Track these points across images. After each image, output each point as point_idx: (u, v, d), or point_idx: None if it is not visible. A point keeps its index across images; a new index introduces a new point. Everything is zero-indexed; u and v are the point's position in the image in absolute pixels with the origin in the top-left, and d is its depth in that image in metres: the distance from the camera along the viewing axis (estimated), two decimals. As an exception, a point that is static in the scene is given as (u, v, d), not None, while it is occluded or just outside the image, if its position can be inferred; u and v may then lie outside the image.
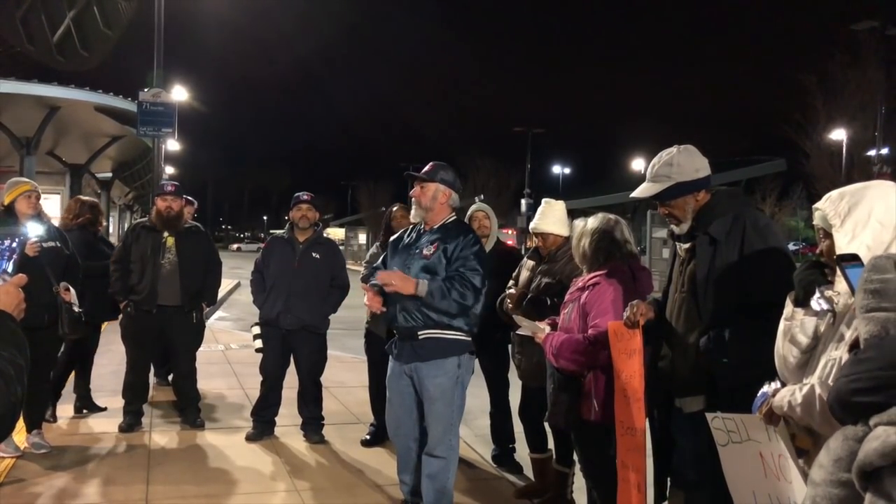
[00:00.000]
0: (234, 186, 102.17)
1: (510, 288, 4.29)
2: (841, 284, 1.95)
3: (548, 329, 3.37)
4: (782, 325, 2.11)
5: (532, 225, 4.23)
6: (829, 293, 1.97)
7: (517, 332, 3.52)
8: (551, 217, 4.15)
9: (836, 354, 1.89)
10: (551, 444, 4.24)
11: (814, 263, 2.13)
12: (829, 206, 2.04)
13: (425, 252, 3.58)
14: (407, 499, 3.89)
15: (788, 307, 2.10)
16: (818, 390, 1.87)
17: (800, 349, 2.05)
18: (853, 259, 1.77)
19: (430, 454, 3.62)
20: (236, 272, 21.37)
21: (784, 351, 2.09)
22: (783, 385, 2.08)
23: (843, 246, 1.95)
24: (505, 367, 4.75)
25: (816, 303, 1.99)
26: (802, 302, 2.07)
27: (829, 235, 2.03)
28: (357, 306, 5.28)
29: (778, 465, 2.12)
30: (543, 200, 4.29)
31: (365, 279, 3.87)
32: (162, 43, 11.76)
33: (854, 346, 1.55)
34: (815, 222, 2.09)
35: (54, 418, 5.42)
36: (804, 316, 2.04)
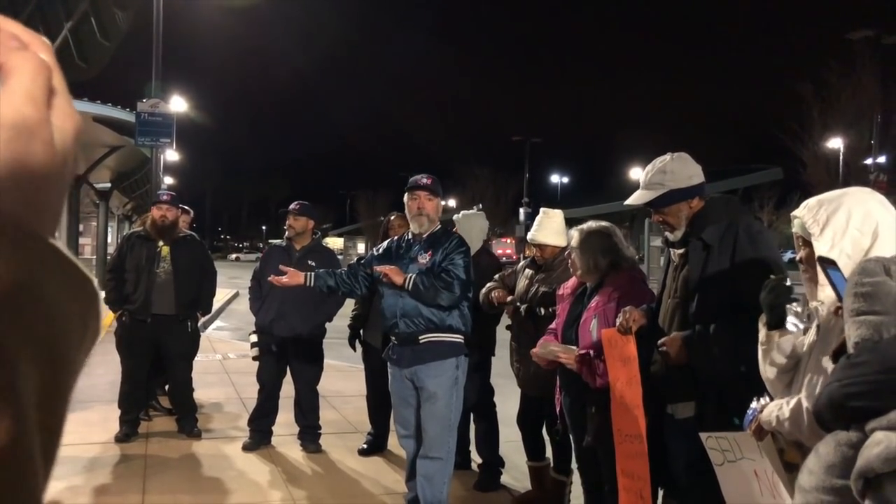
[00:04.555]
0: (233, 196, 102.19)
1: (496, 289, 4.30)
2: (823, 293, 1.95)
3: (575, 349, 3.22)
4: (759, 348, 2.12)
5: (530, 236, 4.23)
6: (799, 308, 1.97)
7: (534, 354, 3.46)
8: (549, 228, 4.15)
9: (822, 365, 1.88)
10: (549, 453, 4.23)
11: (774, 286, 2.12)
12: (807, 214, 2.03)
13: (421, 260, 3.72)
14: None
15: (762, 332, 2.10)
16: (805, 403, 1.86)
17: (780, 369, 2.05)
18: (833, 263, 1.78)
19: (426, 456, 3.69)
20: (235, 282, 21.33)
21: (767, 373, 2.11)
22: (772, 400, 2.08)
23: (822, 255, 1.95)
24: (486, 373, 4.70)
25: (792, 325, 1.99)
26: (772, 325, 2.08)
27: (808, 243, 2.03)
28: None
29: (772, 482, 2.11)
30: (541, 210, 4.28)
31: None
32: (160, 54, 11.78)
33: (839, 351, 1.54)
34: (793, 230, 2.09)
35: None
36: (779, 338, 2.04)
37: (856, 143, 22.16)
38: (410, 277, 3.62)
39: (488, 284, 4.38)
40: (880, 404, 1.28)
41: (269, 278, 3.92)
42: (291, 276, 3.80)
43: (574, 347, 3.27)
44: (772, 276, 2.16)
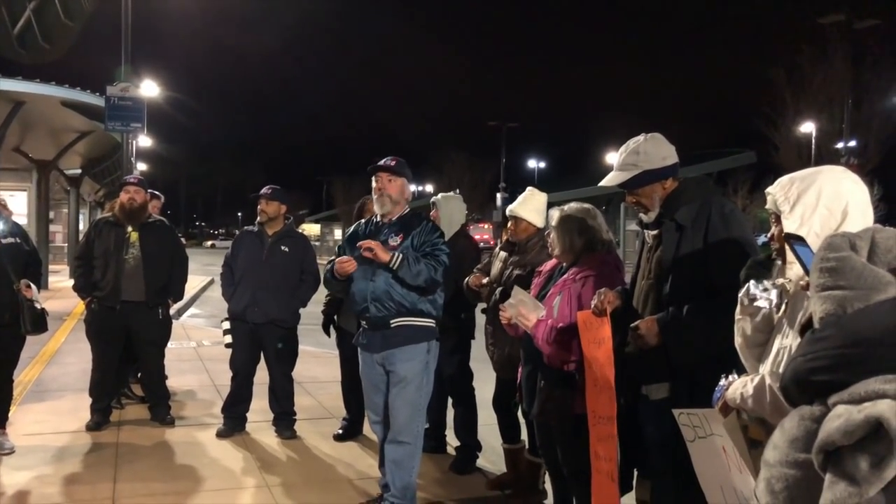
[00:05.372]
0: (208, 183, 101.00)
1: (475, 274, 4.30)
2: (792, 271, 1.96)
3: (542, 312, 3.23)
4: (735, 321, 2.13)
5: (509, 208, 4.22)
6: (770, 283, 1.98)
7: (502, 309, 3.43)
8: (531, 204, 4.15)
9: (787, 342, 1.89)
10: (524, 435, 4.24)
11: (754, 262, 2.13)
12: (779, 191, 2.03)
13: (391, 243, 3.66)
14: (382, 493, 3.90)
15: (740, 304, 2.11)
16: (768, 380, 1.88)
17: (750, 342, 2.07)
18: (800, 239, 1.79)
19: (395, 440, 3.66)
20: (210, 269, 21.14)
21: (738, 345, 2.12)
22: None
23: (790, 233, 1.96)
24: (465, 356, 4.70)
25: (745, 295, 2.00)
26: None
27: (780, 220, 2.04)
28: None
29: (738, 459, 2.13)
30: (528, 188, 4.30)
31: (330, 272, 3.84)
32: (129, 37, 11.57)
33: (806, 327, 1.54)
34: (767, 206, 2.09)
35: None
36: (749, 312, 2.05)
37: (827, 126, 22.48)
38: (398, 256, 3.55)
39: (471, 276, 4.33)
40: (843, 378, 1.28)
41: (360, 243, 3.61)
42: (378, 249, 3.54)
43: (542, 309, 3.24)
44: (760, 255, 2.17)
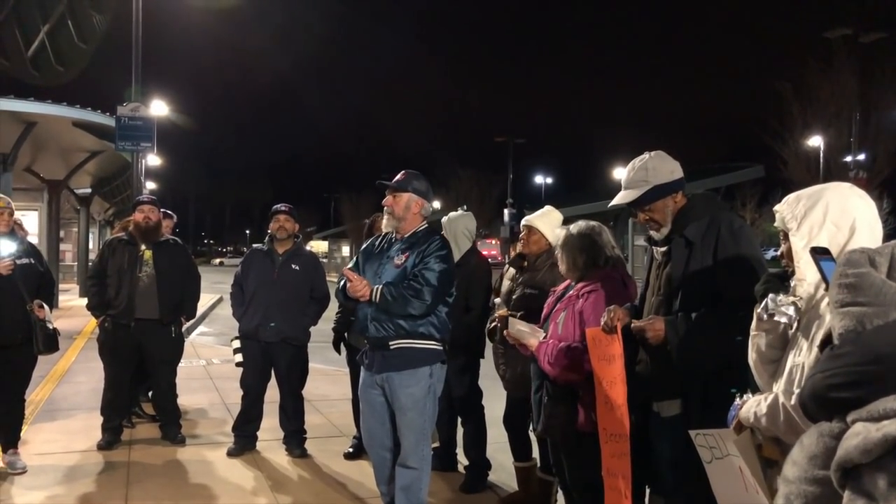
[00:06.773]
0: (216, 201, 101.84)
1: (499, 307, 4.26)
2: (801, 288, 1.95)
3: (542, 335, 3.30)
4: (750, 337, 2.13)
5: (526, 218, 4.24)
6: (789, 299, 1.97)
7: (507, 335, 3.49)
8: (547, 218, 4.17)
9: (800, 360, 1.89)
10: (535, 453, 4.23)
11: (770, 276, 2.14)
12: (786, 208, 2.05)
13: (396, 261, 3.60)
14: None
15: (754, 321, 2.10)
16: (781, 399, 1.87)
17: (764, 359, 2.06)
18: (826, 252, 1.77)
19: (402, 465, 3.60)
20: (219, 287, 21.17)
21: (752, 361, 2.11)
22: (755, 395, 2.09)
23: (799, 250, 1.96)
24: (475, 374, 4.69)
25: (763, 311, 1.99)
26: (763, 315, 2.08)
27: (788, 237, 2.04)
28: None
29: (753, 478, 2.12)
30: (547, 206, 4.34)
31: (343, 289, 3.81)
32: (140, 58, 11.70)
33: (825, 343, 1.54)
34: (776, 224, 2.10)
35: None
36: (765, 327, 2.04)
37: (835, 140, 22.38)
38: (377, 289, 3.47)
39: (494, 316, 4.28)
40: (861, 395, 1.27)
41: (345, 269, 3.63)
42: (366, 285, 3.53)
43: (541, 333, 3.32)
44: (770, 271, 2.18)
